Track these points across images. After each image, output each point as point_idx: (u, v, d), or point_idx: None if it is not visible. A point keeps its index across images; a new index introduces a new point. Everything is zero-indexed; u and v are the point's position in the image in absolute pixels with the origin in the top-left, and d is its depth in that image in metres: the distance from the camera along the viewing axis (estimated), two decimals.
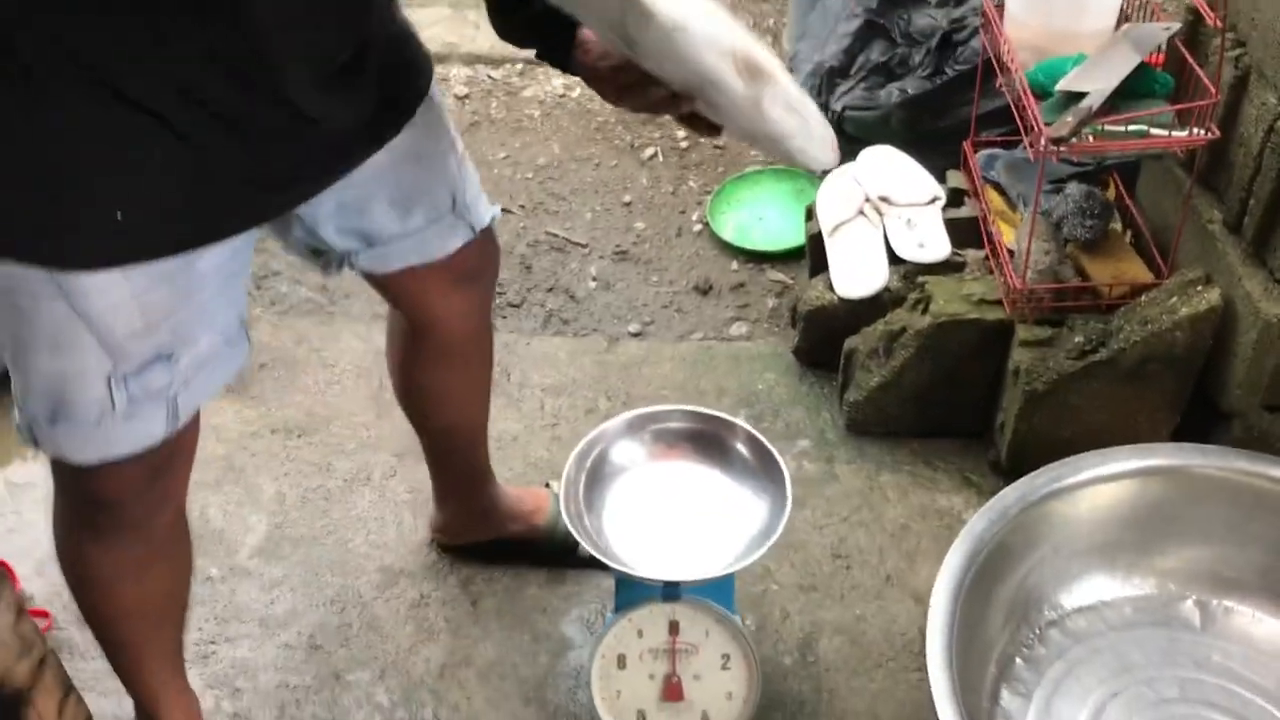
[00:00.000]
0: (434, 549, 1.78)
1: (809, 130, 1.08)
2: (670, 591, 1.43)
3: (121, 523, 1.22)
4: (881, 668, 1.62)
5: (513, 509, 1.73)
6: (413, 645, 1.66)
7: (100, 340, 1.06)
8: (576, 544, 1.66)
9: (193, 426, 1.20)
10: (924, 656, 1.51)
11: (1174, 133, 1.61)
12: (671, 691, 1.45)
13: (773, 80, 1.03)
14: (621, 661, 1.46)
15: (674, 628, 1.45)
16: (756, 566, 1.73)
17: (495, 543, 1.74)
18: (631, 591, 1.46)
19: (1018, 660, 1.60)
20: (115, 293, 1.04)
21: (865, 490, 1.86)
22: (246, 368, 2.08)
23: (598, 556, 1.38)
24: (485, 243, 1.41)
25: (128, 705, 1.46)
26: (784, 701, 1.58)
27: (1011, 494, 1.59)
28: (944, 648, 1.41)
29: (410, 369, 1.53)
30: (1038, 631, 1.63)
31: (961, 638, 1.45)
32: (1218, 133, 1.60)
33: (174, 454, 1.19)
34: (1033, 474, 1.61)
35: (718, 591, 1.45)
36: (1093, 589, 1.66)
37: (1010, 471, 1.79)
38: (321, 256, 1.32)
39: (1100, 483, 1.62)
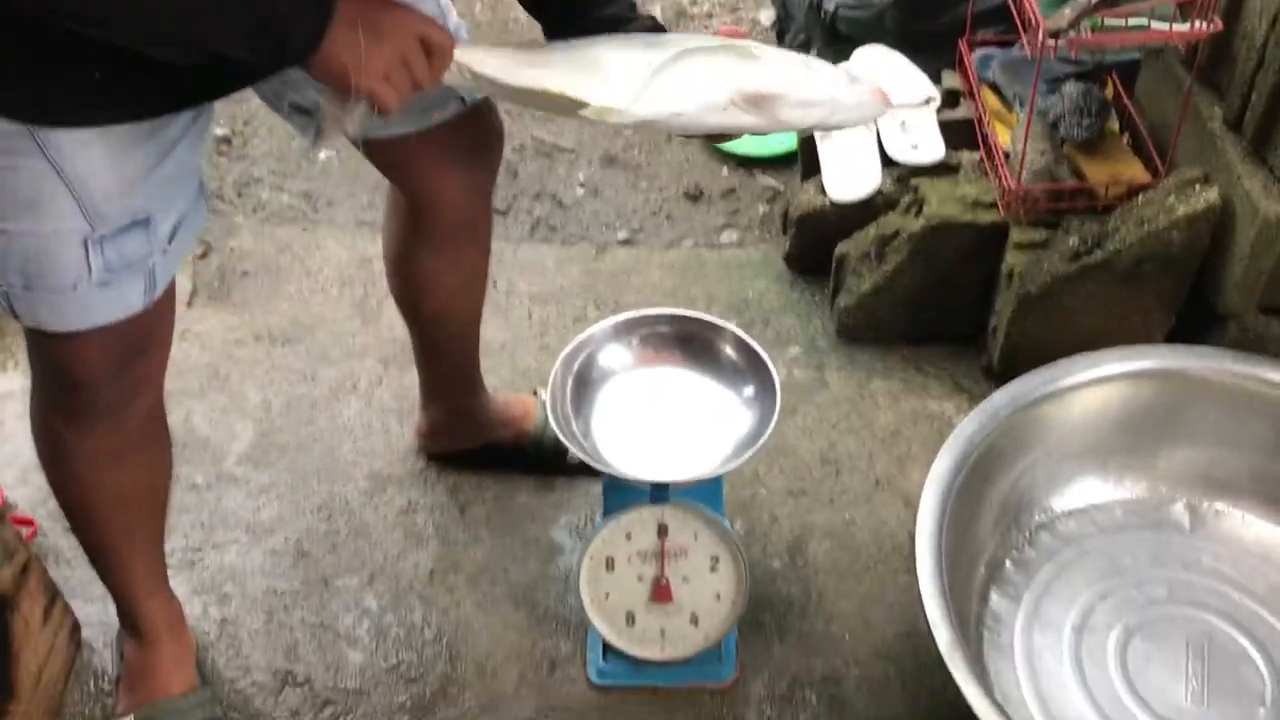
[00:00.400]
0: (421, 457, 1.76)
1: (840, 103, 1.14)
2: (659, 494, 1.42)
3: (96, 407, 1.20)
4: (870, 571, 1.62)
5: (500, 415, 1.72)
6: (401, 551, 1.65)
7: (78, 201, 1.04)
8: (565, 451, 1.66)
9: (168, 308, 1.20)
10: (913, 560, 1.51)
11: (1175, 26, 1.56)
12: (660, 593, 1.45)
13: (777, 98, 1.11)
14: (610, 564, 1.45)
15: (663, 530, 1.44)
16: (746, 471, 1.72)
17: (483, 449, 1.73)
18: (620, 495, 1.44)
19: (1007, 563, 1.60)
20: (93, 153, 1.02)
21: (855, 396, 1.84)
22: (229, 275, 2.06)
23: (585, 459, 1.37)
24: (483, 117, 1.39)
25: (113, 611, 1.45)
26: (773, 603, 1.58)
27: (1003, 396, 1.57)
28: (933, 550, 1.41)
29: (405, 249, 1.50)
30: (1028, 534, 1.63)
31: (951, 540, 1.45)
32: (1220, 25, 1.56)
33: (149, 334, 1.18)
34: (1024, 376, 1.59)
35: (706, 495, 1.44)
36: (1083, 492, 1.66)
37: (1002, 376, 1.77)
38: (312, 121, 1.27)
39: (1093, 385, 1.61)
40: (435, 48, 1.05)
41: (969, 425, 1.53)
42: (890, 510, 1.69)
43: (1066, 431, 1.62)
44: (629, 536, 1.45)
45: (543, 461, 1.72)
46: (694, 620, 1.47)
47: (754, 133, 1.16)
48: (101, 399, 1.19)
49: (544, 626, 1.56)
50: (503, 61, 1.10)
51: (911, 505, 1.68)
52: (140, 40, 0.93)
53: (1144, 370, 1.61)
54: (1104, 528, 1.64)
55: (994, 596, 1.57)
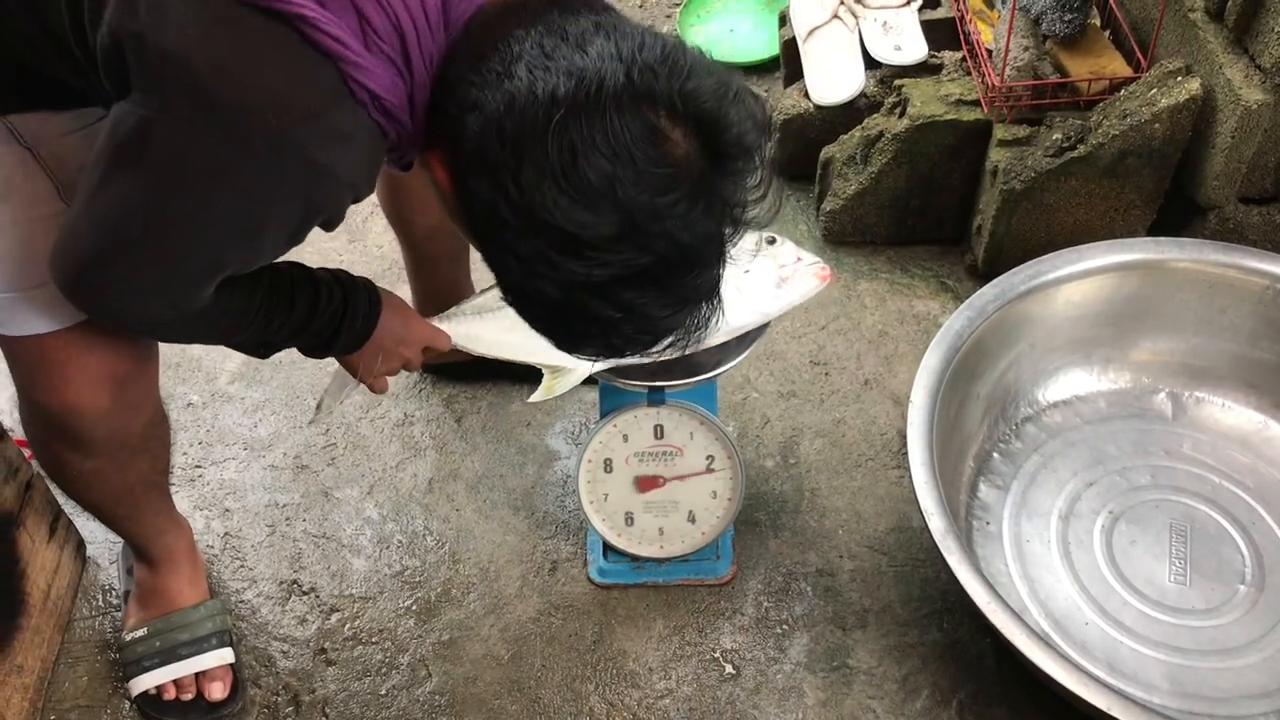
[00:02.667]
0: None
1: (774, 311, 1.34)
2: (655, 397, 1.44)
3: (96, 439, 1.20)
4: (861, 467, 1.65)
5: None
6: (399, 462, 1.68)
7: (53, 180, 1.04)
8: None
9: None
10: (903, 455, 1.54)
11: None
12: (645, 483, 1.47)
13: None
14: (608, 466, 1.48)
15: (659, 431, 1.46)
16: (737, 376, 1.75)
17: (476, 361, 1.74)
18: (616, 398, 1.46)
19: (995, 455, 1.63)
20: (63, 129, 1.03)
21: (843, 299, 1.86)
22: None
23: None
24: None
25: None
26: (767, 501, 1.62)
27: (989, 292, 1.59)
28: (924, 443, 1.44)
29: None
30: (1014, 427, 1.66)
31: (940, 434, 1.48)
32: None
33: (136, 354, 1.18)
34: (1010, 272, 1.61)
35: (701, 397, 1.47)
36: (1068, 384, 1.69)
37: (987, 275, 1.79)
38: None
39: (1077, 279, 1.63)
40: (436, 349, 1.33)
41: (956, 322, 1.55)
42: (879, 409, 1.72)
43: (1051, 325, 1.65)
44: (626, 438, 1.47)
45: (537, 371, 1.73)
46: (691, 518, 1.50)
47: None
48: (101, 435, 1.19)
49: (544, 530, 1.59)
50: (489, 336, 1.36)
51: (900, 403, 1.71)
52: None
53: (1127, 263, 1.64)
54: (1088, 418, 1.67)
55: (983, 487, 1.60)
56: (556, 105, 0.82)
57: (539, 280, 0.87)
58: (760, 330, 1.38)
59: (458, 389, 1.76)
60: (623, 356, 0.96)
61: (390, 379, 1.34)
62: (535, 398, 1.32)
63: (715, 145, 0.86)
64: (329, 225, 0.99)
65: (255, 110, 0.85)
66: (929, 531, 1.36)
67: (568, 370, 1.33)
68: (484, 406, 1.74)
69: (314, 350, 1.20)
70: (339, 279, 1.19)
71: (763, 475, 1.65)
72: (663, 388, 1.39)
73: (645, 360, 1.31)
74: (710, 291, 0.93)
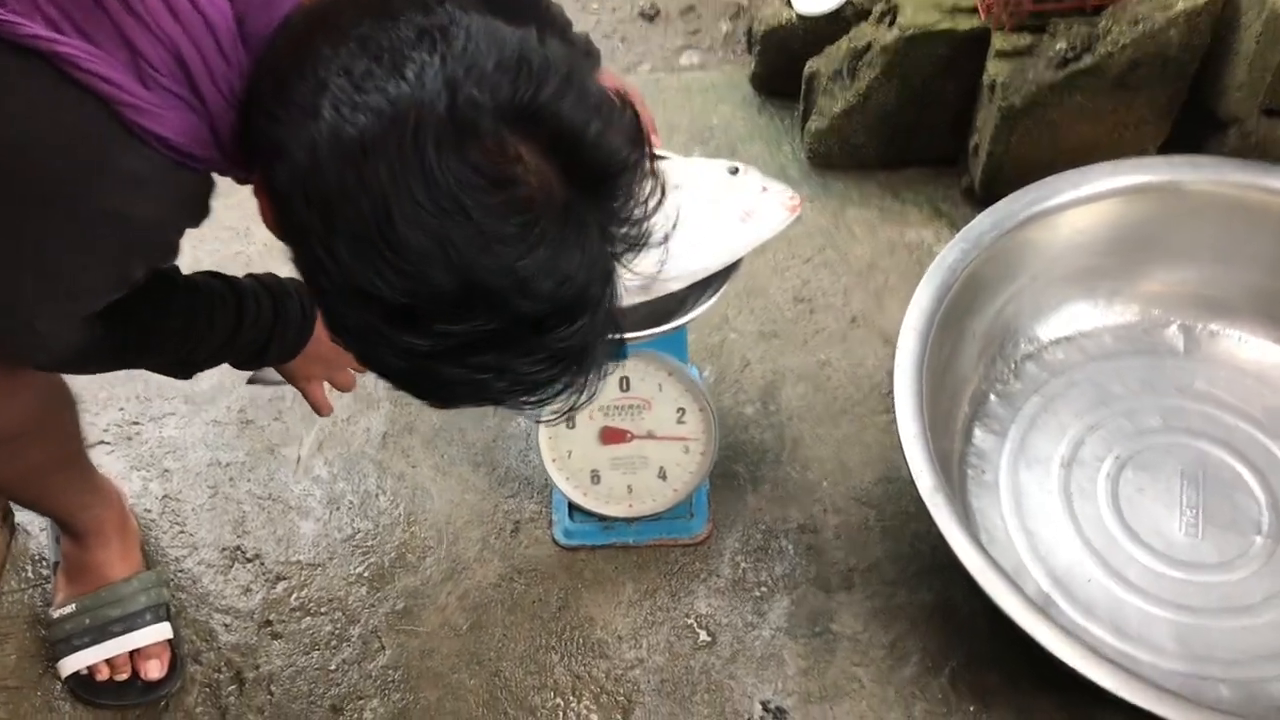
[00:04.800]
0: None
1: (740, 247, 1.19)
2: (619, 350, 1.31)
3: None
4: (847, 413, 1.53)
5: None
6: (350, 415, 1.56)
7: None
8: None
9: None
10: (892, 399, 1.42)
11: None
12: (609, 435, 1.35)
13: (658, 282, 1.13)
14: (571, 421, 1.36)
15: (624, 384, 1.34)
16: (713, 315, 1.62)
17: None
18: None
19: (991, 397, 1.51)
20: None
21: (829, 228, 1.72)
22: None
23: None
24: None
25: None
26: (745, 452, 1.50)
27: (986, 220, 1.46)
28: (913, 389, 1.32)
29: None
30: (1013, 366, 1.54)
31: (932, 377, 1.36)
32: None
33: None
34: (1009, 198, 1.47)
35: (670, 343, 1.34)
36: (1071, 319, 1.56)
37: (985, 200, 1.65)
38: None
39: (1082, 204, 1.49)
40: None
41: (950, 253, 1.42)
42: (867, 348, 1.59)
43: (1054, 255, 1.51)
44: None
45: None
46: (662, 474, 1.39)
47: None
48: None
49: (506, 487, 1.48)
50: None
51: (890, 342, 1.58)
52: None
53: (1137, 185, 1.49)
54: (1093, 355, 1.55)
55: (978, 433, 1.49)
56: (365, 154, 0.67)
57: (376, 350, 0.73)
58: (729, 271, 1.25)
59: None
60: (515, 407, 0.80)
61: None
62: None
63: (580, 167, 0.71)
64: (164, 259, 0.91)
65: (29, 172, 0.76)
66: (918, 492, 1.24)
67: None
68: None
69: (244, 364, 1.15)
70: (268, 287, 1.09)
71: (741, 423, 1.53)
72: (624, 341, 1.26)
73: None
74: (600, 331, 0.77)
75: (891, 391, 1.45)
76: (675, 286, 1.20)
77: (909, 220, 1.73)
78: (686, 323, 1.25)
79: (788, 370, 1.57)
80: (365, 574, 1.42)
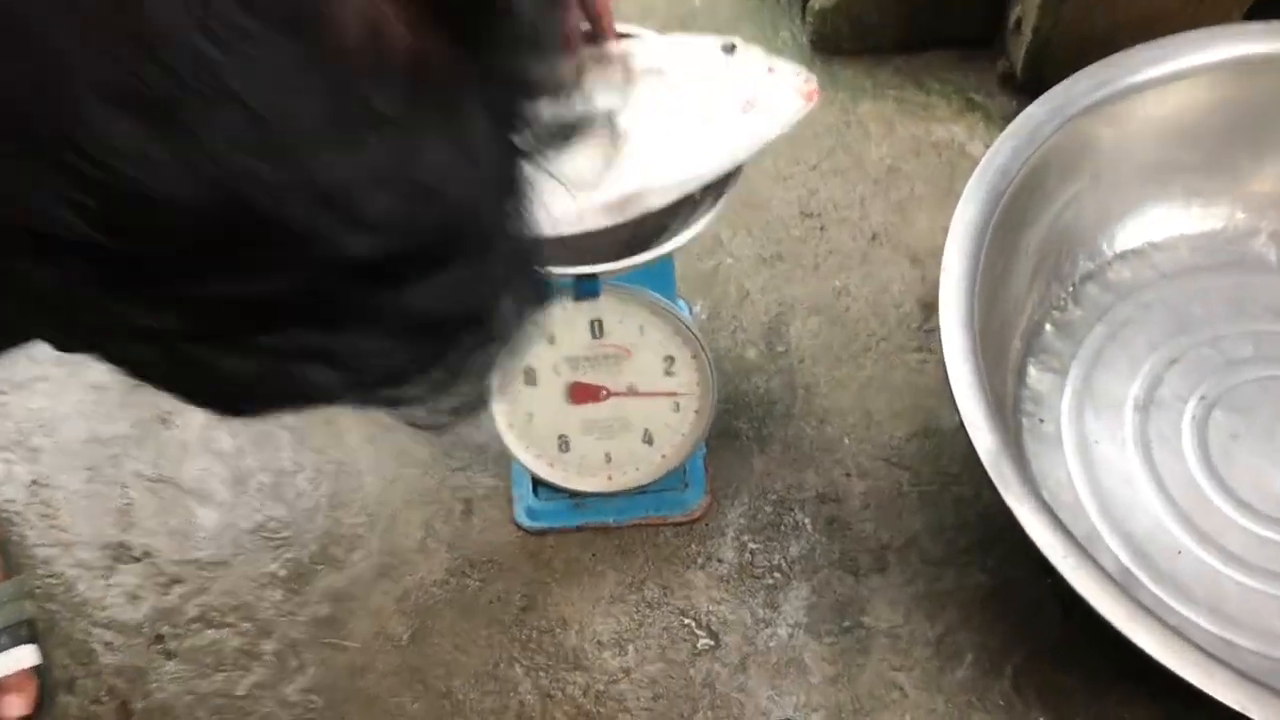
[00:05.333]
0: None
1: (741, 146, 0.91)
2: (586, 288, 1.03)
3: None
4: (871, 351, 1.25)
5: None
6: None
7: None
8: None
9: None
10: (925, 332, 1.15)
11: None
12: (578, 392, 1.08)
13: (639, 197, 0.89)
14: (530, 376, 1.08)
15: (596, 328, 1.06)
16: (705, 238, 1.33)
17: None
18: None
19: (1047, 327, 1.24)
20: None
21: (840, 127, 1.43)
22: None
23: None
24: None
25: None
26: (748, 405, 1.22)
27: (1040, 110, 1.16)
28: (963, 320, 1.04)
29: None
30: (1071, 289, 1.26)
31: (982, 309, 1.08)
32: None
33: None
34: (1068, 81, 1.18)
35: (653, 276, 1.05)
36: (1141, 227, 1.28)
37: (1027, 87, 1.37)
38: None
39: (1156, 86, 1.19)
40: None
41: (1000, 153, 1.13)
42: (892, 270, 1.31)
43: (1121, 150, 1.22)
44: (552, 340, 1.07)
45: None
46: (647, 439, 1.11)
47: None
48: None
49: (454, 459, 1.20)
50: None
51: (919, 262, 1.31)
52: None
53: (1224, 62, 1.20)
54: (1167, 272, 1.27)
55: (1032, 372, 1.21)
56: None
57: (84, 332, 0.41)
58: (728, 180, 0.96)
59: None
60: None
61: None
62: None
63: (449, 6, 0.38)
64: None
65: None
66: (968, 439, 0.97)
67: None
68: None
69: None
70: None
71: (742, 370, 1.25)
72: (595, 276, 0.97)
73: (566, 229, 0.92)
74: (502, 274, 0.44)
75: (924, 323, 1.18)
76: (657, 203, 0.91)
77: (935, 114, 1.43)
78: (674, 250, 0.96)
79: (796, 301, 1.29)
80: (280, 573, 1.14)
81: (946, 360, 1.01)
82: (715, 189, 0.97)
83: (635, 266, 0.95)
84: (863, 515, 1.15)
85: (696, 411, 1.10)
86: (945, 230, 1.18)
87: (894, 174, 1.38)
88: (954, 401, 0.99)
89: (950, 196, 1.31)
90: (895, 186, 1.37)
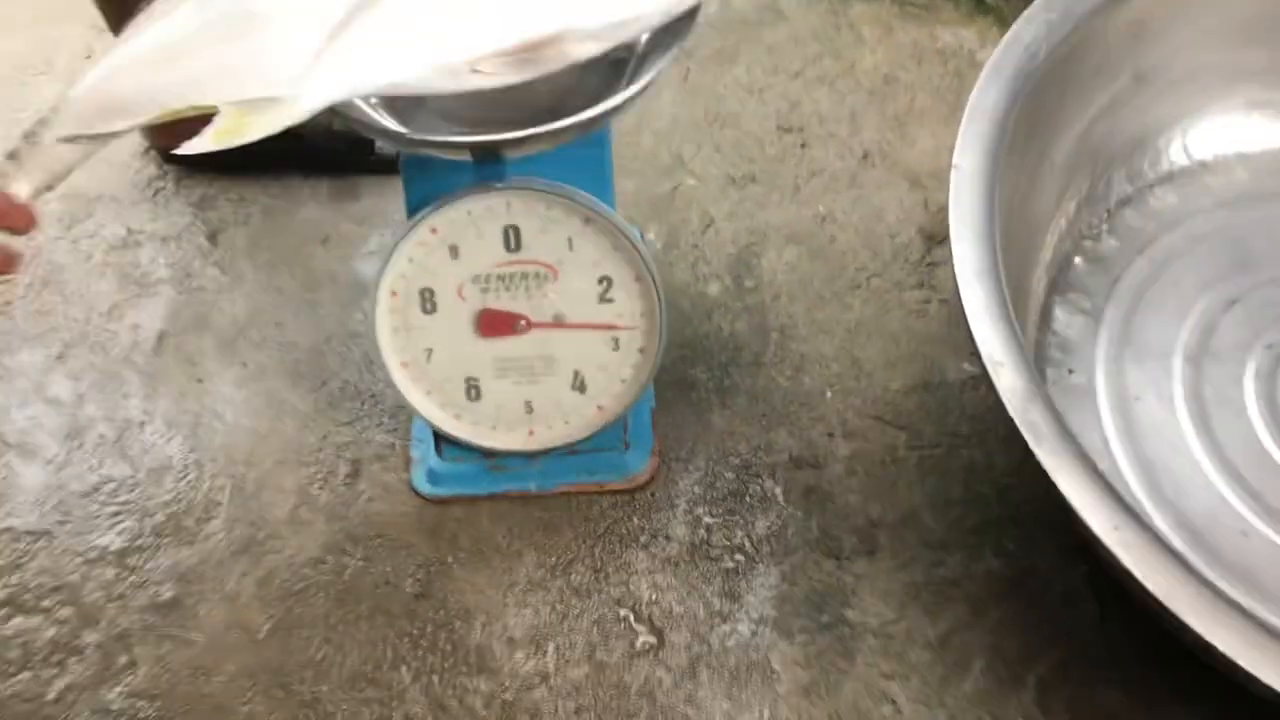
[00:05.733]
0: (151, 160, 1.12)
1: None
2: (489, 169, 0.80)
3: None
4: (861, 288, 1.03)
5: None
6: (114, 306, 1.04)
7: None
8: (371, 140, 1.04)
9: None
10: (926, 266, 0.93)
11: None
12: (489, 323, 0.85)
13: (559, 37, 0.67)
14: (428, 301, 0.85)
15: (512, 238, 0.83)
16: (663, 153, 1.11)
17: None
18: (429, 180, 0.82)
19: (1077, 261, 1.01)
20: None
21: (826, 31, 1.20)
22: None
23: (370, 115, 0.74)
24: None
25: None
26: (708, 350, 0.99)
27: None
28: (980, 239, 0.81)
29: None
30: (1107, 214, 1.03)
31: (1004, 224, 0.85)
32: None
33: None
34: None
35: (583, 169, 0.82)
36: (1192, 140, 1.05)
37: None
38: None
39: None
40: None
41: (1027, 28, 0.90)
42: (888, 194, 1.08)
43: (1174, 43, 1.00)
44: (454, 252, 0.83)
45: (337, 156, 1.09)
46: (579, 384, 0.88)
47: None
48: None
49: (341, 409, 0.97)
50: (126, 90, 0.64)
51: (920, 185, 1.08)
52: None
53: None
54: (1223, 198, 1.04)
55: (1059, 315, 0.98)
56: None
57: None
58: (679, 27, 0.73)
59: (215, 187, 1.11)
60: None
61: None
62: (197, 145, 0.65)
63: None
64: None
65: None
66: (984, 388, 0.74)
67: (276, 102, 0.66)
68: (255, 214, 1.09)
69: None
70: None
71: (702, 308, 1.02)
72: (498, 146, 0.74)
73: (451, 86, 0.69)
74: None
75: (926, 256, 0.96)
76: (582, 53, 0.68)
77: (940, 17, 1.21)
78: (606, 117, 0.73)
79: (771, 229, 1.06)
80: (115, 547, 0.90)
81: (958, 277, 0.78)
82: (662, 39, 0.74)
83: (551, 138, 0.72)
84: (847, 485, 0.92)
85: (640, 350, 0.87)
86: (951, 150, 0.97)
87: (891, 84, 1.16)
88: (967, 329, 0.76)
89: (957, 111, 1.09)
90: (892, 98, 1.15)
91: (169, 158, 1.11)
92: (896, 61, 1.17)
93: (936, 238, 1.04)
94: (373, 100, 0.79)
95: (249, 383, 0.98)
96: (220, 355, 1.00)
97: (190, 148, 0.63)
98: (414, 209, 0.83)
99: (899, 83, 1.15)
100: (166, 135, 1.10)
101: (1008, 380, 0.74)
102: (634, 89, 0.72)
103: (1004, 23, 1.19)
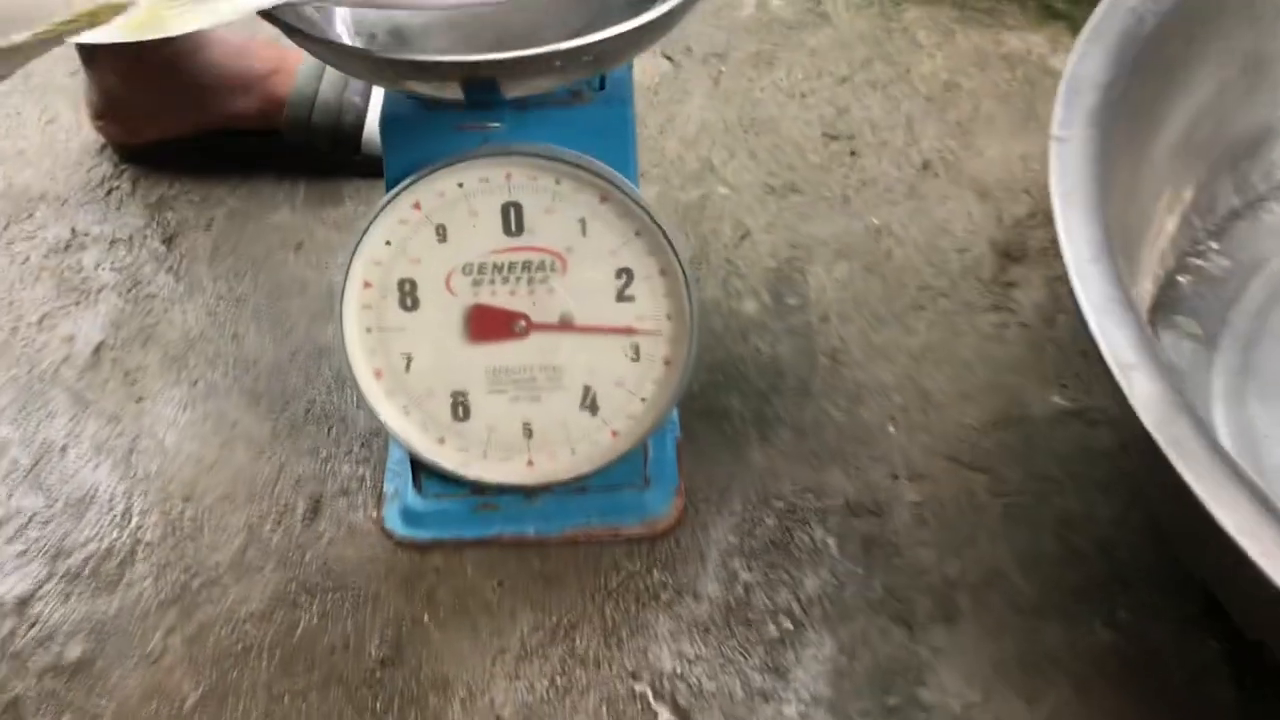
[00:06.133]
0: (106, 158, 0.98)
1: None
2: (479, 90, 0.65)
3: None
4: (926, 309, 0.87)
5: (233, 72, 0.93)
6: (46, 315, 0.88)
7: None
8: (352, 130, 0.90)
9: None
10: (1004, 286, 0.78)
11: None
12: (480, 324, 0.70)
13: None
14: (407, 296, 0.70)
15: (512, 218, 0.68)
16: (690, 159, 0.96)
17: (206, 136, 0.96)
18: (415, 143, 0.67)
19: (1183, 281, 0.85)
20: None
21: (876, 35, 1.07)
22: None
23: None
24: None
25: None
26: (744, 374, 0.83)
27: None
28: (1091, 216, 0.65)
29: None
30: (1215, 229, 0.88)
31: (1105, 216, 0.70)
32: None
33: None
34: None
35: (598, 134, 0.68)
36: None
37: None
38: None
39: None
40: None
41: None
42: (953, 206, 0.93)
43: None
44: (441, 234, 0.68)
45: (316, 154, 0.95)
46: (589, 403, 0.72)
47: None
48: None
49: (303, 436, 0.81)
50: None
51: (990, 196, 0.93)
52: None
53: None
54: None
55: (1166, 338, 0.83)
56: None
57: None
58: None
59: (176, 188, 0.96)
60: None
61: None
62: (101, 35, 0.50)
63: None
64: None
65: None
66: (1128, 403, 0.57)
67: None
68: (219, 217, 0.94)
69: None
70: None
71: (736, 327, 0.86)
72: (495, 71, 0.59)
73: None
74: None
75: (1001, 275, 0.81)
76: None
77: (1006, 21, 1.07)
78: (636, 36, 0.58)
79: (816, 242, 0.91)
80: (14, 593, 0.73)
81: (1068, 262, 0.62)
82: None
83: (563, 67, 0.57)
84: (917, 536, 0.75)
85: (666, 361, 0.71)
86: (1023, 159, 0.84)
87: (952, 90, 1.02)
88: (1083, 321, 0.60)
89: (1030, 119, 0.96)
90: (954, 104, 1.00)
91: (126, 154, 0.97)
92: (957, 67, 1.03)
93: (1013, 254, 0.88)
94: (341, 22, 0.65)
95: (197, 403, 0.82)
96: (166, 371, 0.84)
97: (93, 37, 0.49)
98: (394, 180, 0.68)
99: (961, 89, 1.01)
100: (123, 129, 0.97)
101: (1143, 387, 0.57)
102: (671, 3, 0.57)
103: (1075, 29, 1.05)
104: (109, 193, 0.96)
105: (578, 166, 0.66)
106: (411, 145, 0.67)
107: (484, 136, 0.66)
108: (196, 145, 0.95)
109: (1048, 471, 0.78)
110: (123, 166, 0.97)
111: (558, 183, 0.67)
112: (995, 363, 0.83)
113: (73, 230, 0.93)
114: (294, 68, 0.93)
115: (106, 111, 0.95)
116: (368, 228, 0.68)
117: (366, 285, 0.69)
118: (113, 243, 0.92)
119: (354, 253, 0.68)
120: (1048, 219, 0.90)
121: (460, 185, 0.67)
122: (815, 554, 0.74)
